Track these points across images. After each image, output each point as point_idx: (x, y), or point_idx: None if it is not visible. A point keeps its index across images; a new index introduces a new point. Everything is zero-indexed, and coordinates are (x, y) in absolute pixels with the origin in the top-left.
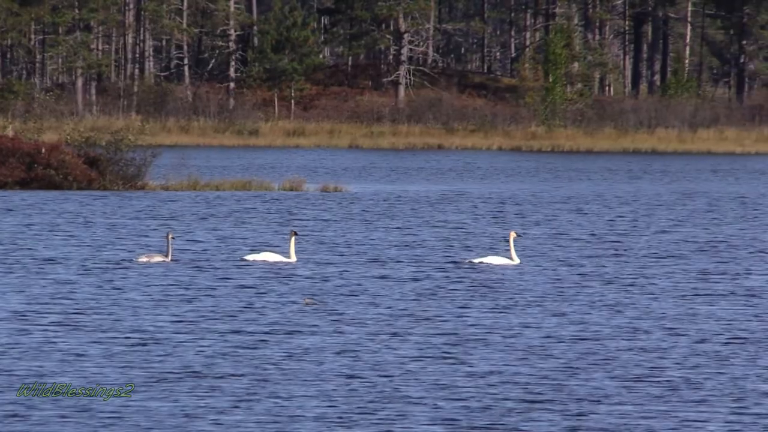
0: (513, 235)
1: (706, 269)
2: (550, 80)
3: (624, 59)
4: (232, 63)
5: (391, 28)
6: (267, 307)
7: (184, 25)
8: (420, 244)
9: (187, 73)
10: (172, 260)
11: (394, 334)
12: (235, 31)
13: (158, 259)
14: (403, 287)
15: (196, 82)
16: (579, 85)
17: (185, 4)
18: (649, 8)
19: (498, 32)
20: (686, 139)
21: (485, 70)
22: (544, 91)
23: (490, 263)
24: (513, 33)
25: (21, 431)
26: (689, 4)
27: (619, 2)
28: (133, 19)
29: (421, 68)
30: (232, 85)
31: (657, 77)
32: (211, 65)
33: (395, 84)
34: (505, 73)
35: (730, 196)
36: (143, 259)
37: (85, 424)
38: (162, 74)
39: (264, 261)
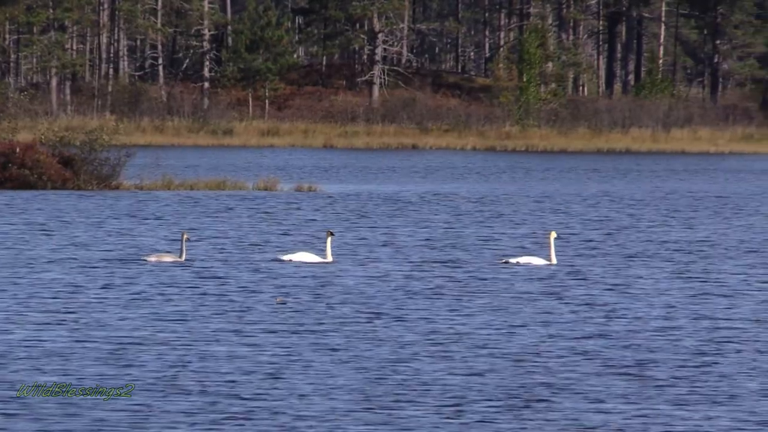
0: (553, 235)
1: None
2: (524, 80)
3: (598, 59)
4: (207, 63)
5: (366, 28)
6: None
7: (159, 25)
8: (441, 242)
9: (161, 73)
10: (186, 260)
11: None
12: (210, 30)
13: (169, 259)
14: (447, 287)
15: (170, 82)
16: (553, 85)
17: (159, 3)
18: (623, 8)
19: (472, 32)
20: (660, 138)
21: (459, 70)
22: (518, 90)
23: (528, 263)
24: (487, 33)
25: (22, 431)
26: (663, 4)
27: (593, 2)
28: (108, 19)
29: (395, 68)
30: (206, 84)
31: (631, 77)
32: (185, 65)
33: (369, 84)
34: (480, 73)
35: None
36: (153, 258)
37: (85, 423)
38: (136, 74)
39: (301, 261)
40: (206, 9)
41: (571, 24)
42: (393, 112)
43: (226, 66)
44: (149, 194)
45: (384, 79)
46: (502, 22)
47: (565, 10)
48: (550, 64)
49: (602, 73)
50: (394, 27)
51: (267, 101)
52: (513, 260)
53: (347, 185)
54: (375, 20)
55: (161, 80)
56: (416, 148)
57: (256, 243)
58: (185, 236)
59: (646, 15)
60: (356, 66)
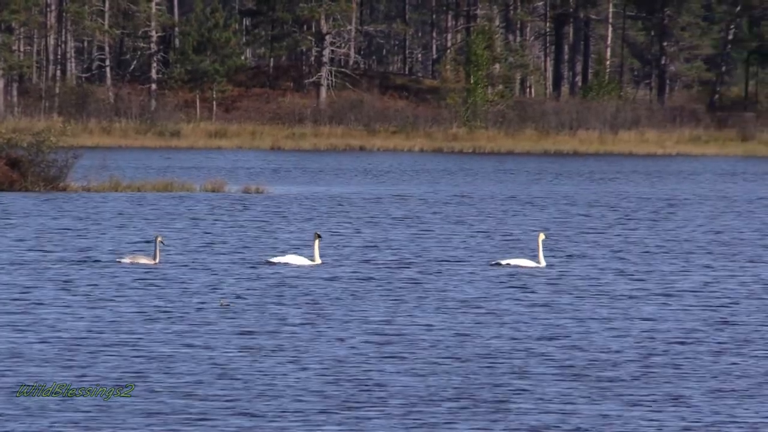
0: (542, 236)
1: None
2: (472, 82)
3: (545, 61)
4: (154, 64)
5: (313, 29)
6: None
7: (106, 27)
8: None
9: (108, 75)
10: (159, 263)
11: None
12: (157, 32)
13: (143, 260)
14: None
15: (117, 84)
16: (500, 87)
17: (107, 5)
18: (570, 10)
19: (419, 34)
20: (607, 140)
21: (407, 72)
22: (465, 92)
23: (519, 265)
24: (434, 34)
25: (22, 431)
26: (610, 6)
27: (540, 4)
28: (55, 21)
29: (342, 70)
30: (153, 86)
31: (578, 79)
32: (132, 66)
33: (317, 85)
34: (427, 75)
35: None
36: (127, 260)
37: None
38: (84, 75)
39: (288, 263)
40: (153, 11)
41: (518, 26)
42: (340, 114)
43: (174, 67)
44: (98, 195)
45: (331, 80)
46: (450, 24)
47: (512, 12)
48: (497, 66)
49: (549, 74)
50: (342, 29)
51: (214, 103)
52: (503, 262)
53: (295, 187)
54: (322, 22)
55: (109, 82)
56: (364, 149)
57: (220, 245)
58: (159, 239)
59: (593, 17)
60: (304, 68)
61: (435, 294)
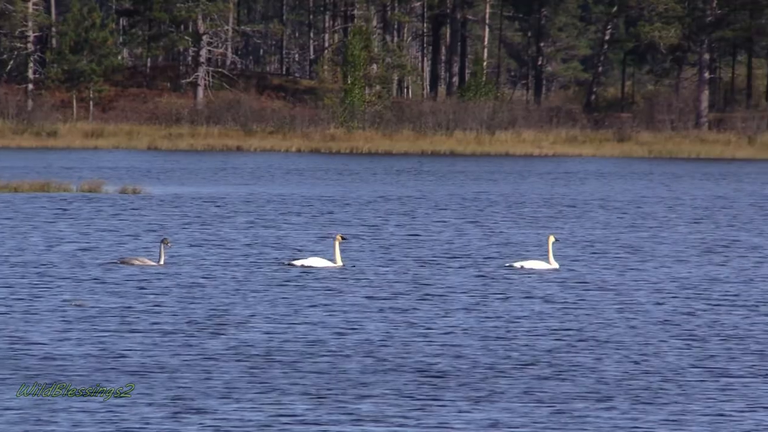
0: (552, 239)
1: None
2: (349, 82)
3: (422, 61)
4: (31, 64)
5: (190, 29)
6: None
7: None
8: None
9: None
10: (163, 265)
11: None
12: (34, 32)
13: (137, 262)
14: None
15: None
16: (377, 87)
17: None
18: (448, 10)
19: (297, 34)
20: (484, 140)
21: (284, 72)
22: (342, 93)
23: (532, 267)
24: (312, 35)
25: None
26: (487, 7)
27: (418, 4)
28: None
29: (219, 70)
30: (30, 86)
31: (455, 79)
32: (9, 66)
33: (194, 85)
34: (304, 75)
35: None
36: (136, 262)
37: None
38: None
39: (311, 266)
40: (30, 10)
41: (396, 26)
42: (217, 114)
43: (51, 67)
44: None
45: (208, 80)
46: (327, 24)
47: (389, 13)
48: (374, 66)
49: (426, 75)
50: (219, 29)
51: (91, 103)
52: (516, 264)
53: (171, 187)
54: (199, 22)
55: None
56: (241, 149)
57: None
58: (167, 242)
59: (470, 17)
60: (181, 67)
61: (459, 295)
